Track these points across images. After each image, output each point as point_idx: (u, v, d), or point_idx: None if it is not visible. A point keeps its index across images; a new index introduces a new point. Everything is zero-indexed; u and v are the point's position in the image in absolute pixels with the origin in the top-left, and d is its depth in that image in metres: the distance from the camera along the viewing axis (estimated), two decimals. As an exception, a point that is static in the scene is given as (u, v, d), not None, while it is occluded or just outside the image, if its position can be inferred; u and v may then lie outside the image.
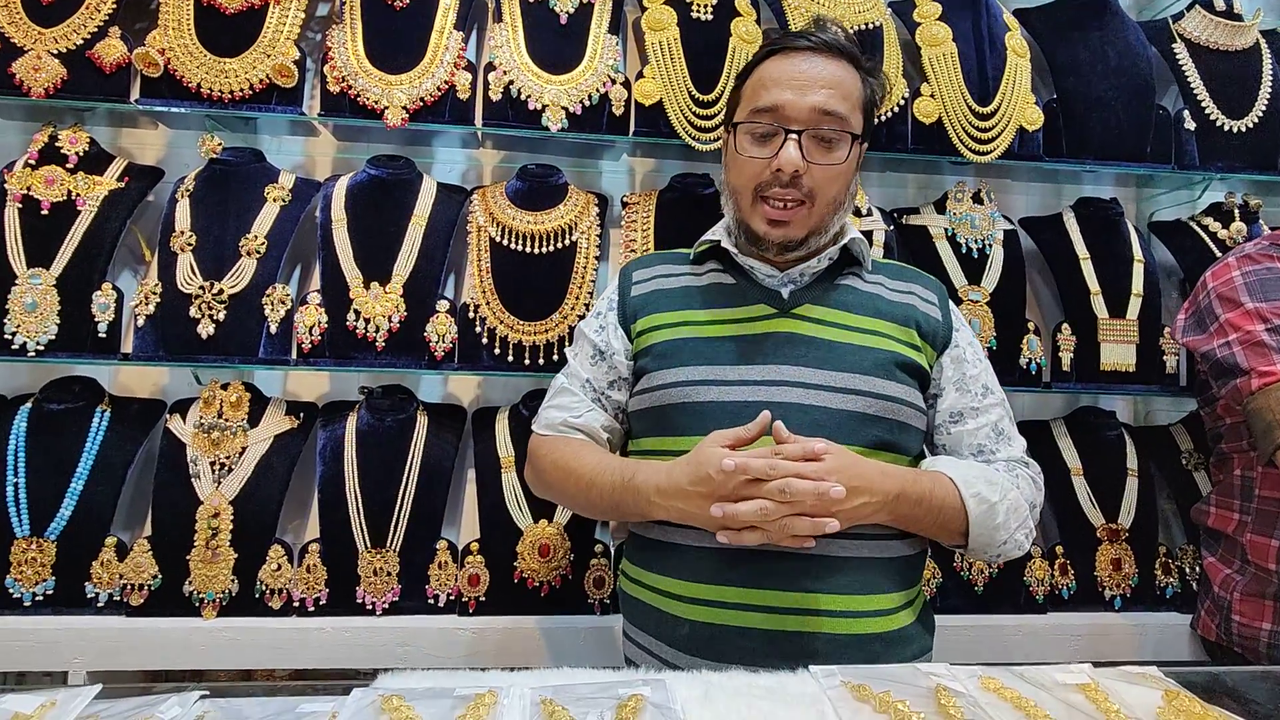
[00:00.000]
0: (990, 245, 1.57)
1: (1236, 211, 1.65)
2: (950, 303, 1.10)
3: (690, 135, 1.43)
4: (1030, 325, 1.54)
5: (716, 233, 1.07)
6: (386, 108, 1.38)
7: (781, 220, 0.97)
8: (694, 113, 1.44)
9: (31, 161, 1.37)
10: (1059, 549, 1.50)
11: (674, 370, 0.98)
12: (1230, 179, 1.64)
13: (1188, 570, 1.52)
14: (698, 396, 0.95)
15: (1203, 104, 1.61)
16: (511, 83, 1.42)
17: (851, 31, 1.05)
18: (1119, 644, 1.45)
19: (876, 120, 1.48)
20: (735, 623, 0.89)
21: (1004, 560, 1.00)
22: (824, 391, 0.94)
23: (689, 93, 1.44)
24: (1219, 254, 1.59)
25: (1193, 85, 1.62)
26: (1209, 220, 1.66)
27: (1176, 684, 0.70)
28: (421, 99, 1.40)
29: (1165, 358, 1.56)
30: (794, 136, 0.94)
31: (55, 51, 1.34)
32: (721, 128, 1.07)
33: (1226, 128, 1.60)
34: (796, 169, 0.94)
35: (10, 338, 1.30)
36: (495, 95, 1.41)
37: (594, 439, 1.04)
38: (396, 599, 1.34)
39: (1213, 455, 1.45)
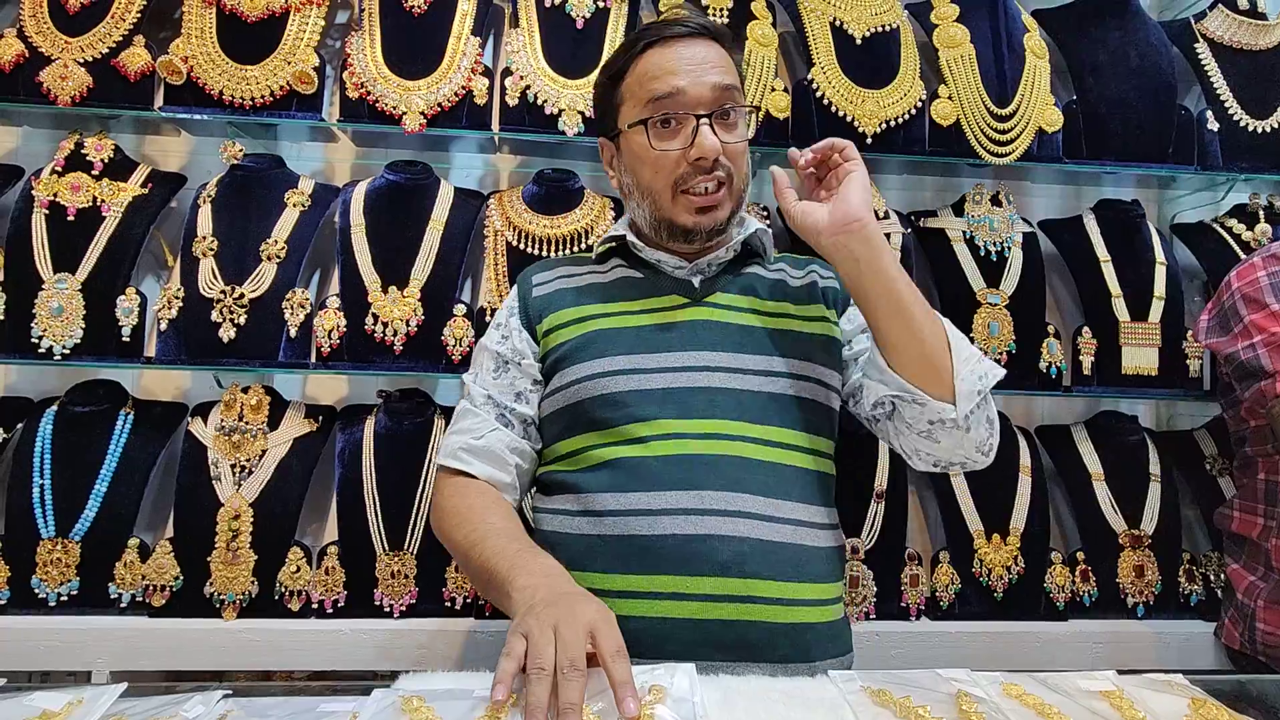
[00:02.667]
0: (1009, 248, 1.55)
1: (1261, 213, 1.63)
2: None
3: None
4: (1050, 329, 1.53)
5: (619, 229, 1.05)
6: (404, 113, 1.39)
7: (708, 206, 0.95)
8: (710, 116, 1.44)
9: (58, 168, 1.40)
10: (1080, 555, 1.48)
11: (587, 363, 0.95)
12: (1255, 180, 1.62)
13: (1212, 577, 1.49)
14: (615, 387, 0.93)
15: (1226, 104, 1.59)
16: (528, 88, 1.42)
17: (705, 17, 1.03)
18: (1142, 652, 1.43)
19: (896, 124, 1.48)
20: (671, 614, 0.85)
21: (975, 448, 0.92)
22: (743, 375, 0.94)
23: (705, 96, 1.44)
24: (1243, 256, 1.57)
25: (1216, 85, 1.60)
26: (1233, 222, 1.64)
27: (1203, 692, 0.69)
28: (439, 104, 1.41)
29: (1189, 361, 1.54)
30: (705, 121, 0.92)
31: (81, 60, 1.37)
32: (605, 135, 1.04)
33: (1251, 128, 1.58)
34: (718, 153, 0.92)
35: (37, 341, 1.32)
36: (512, 100, 1.42)
37: (496, 462, 0.97)
38: (414, 601, 1.35)
39: (1236, 459, 1.42)
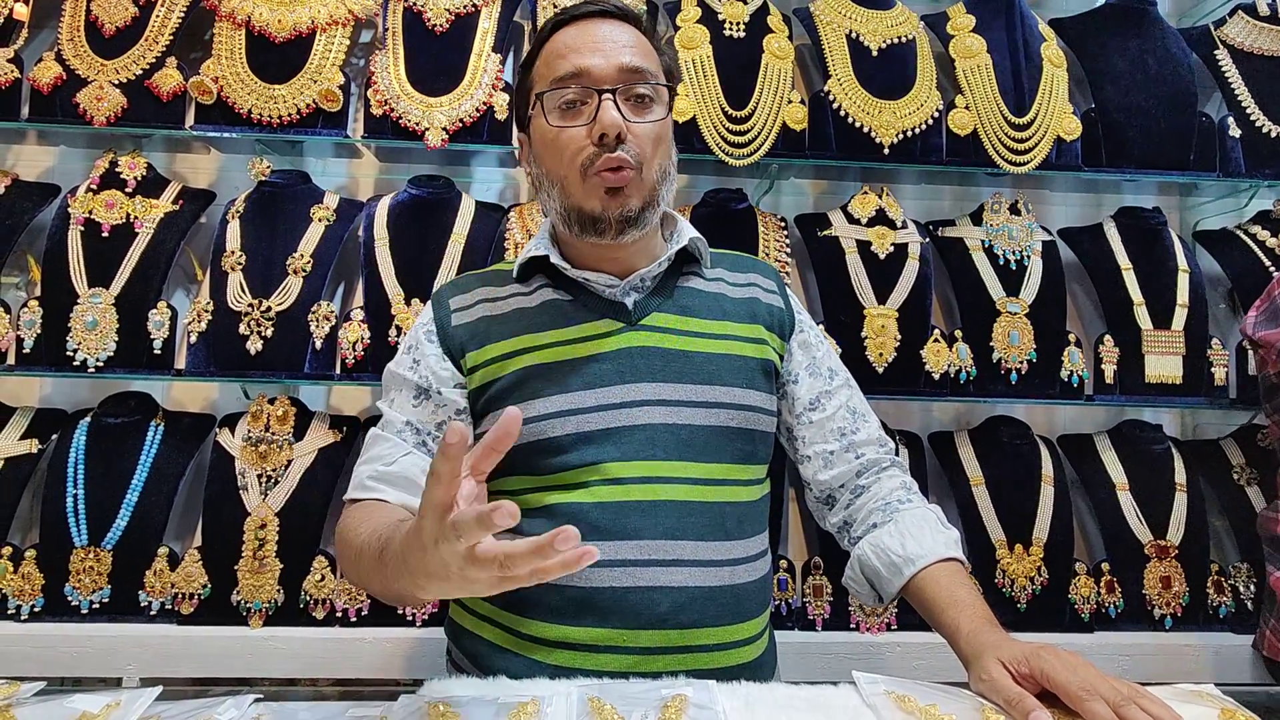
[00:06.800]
0: (1029, 256, 1.55)
1: (1286, 219, 1.61)
2: (786, 287, 1.05)
3: (723, 151, 1.45)
4: (1071, 337, 1.52)
5: (540, 246, 0.94)
6: (427, 129, 1.42)
7: (617, 188, 0.86)
8: (727, 129, 1.45)
9: (93, 186, 1.44)
10: (1105, 566, 1.46)
11: (524, 405, 0.86)
12: (1278, 186, 1.60)
13: (1242, 589, 1.47)
14: (553, 431, 0.85)
15: (1248, 110, 1.58)
16: (548, 103, 1.45)
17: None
18: (1172, 664, 1.41)
19: (913, 134, 1.49)
20: (607, 667, 0.80)
21: None
22: (688, 408, 0.88)
23: (722, 109, 1.46)
24: (1268, 263, 1.56)
25: (1237, 92, 1.59)
26: (1257, 228, 1.62)
27: (1234, 703, 0.68)
28: (460, 120, 1.43)
29: (1214, 369, 1.52)
30: (608, 96, 0.85)
31: (116, 82, 1.41)
32: (521, 129, 0.98)
33: (1273, 134, 1.57)
34: (620, 130, 0.85)
35: (72, 354, 1.36)
36: (532, 115, 1.44)
37: (412, 488, 0.87)
38: (436, 610, 1.36)
39: None
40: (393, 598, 0.77)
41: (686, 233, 0.97)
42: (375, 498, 0.86)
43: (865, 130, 1.48)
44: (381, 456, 0.89)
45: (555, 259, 0.93)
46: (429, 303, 0.99)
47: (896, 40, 1.55)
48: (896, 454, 1.02)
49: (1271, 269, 1.54)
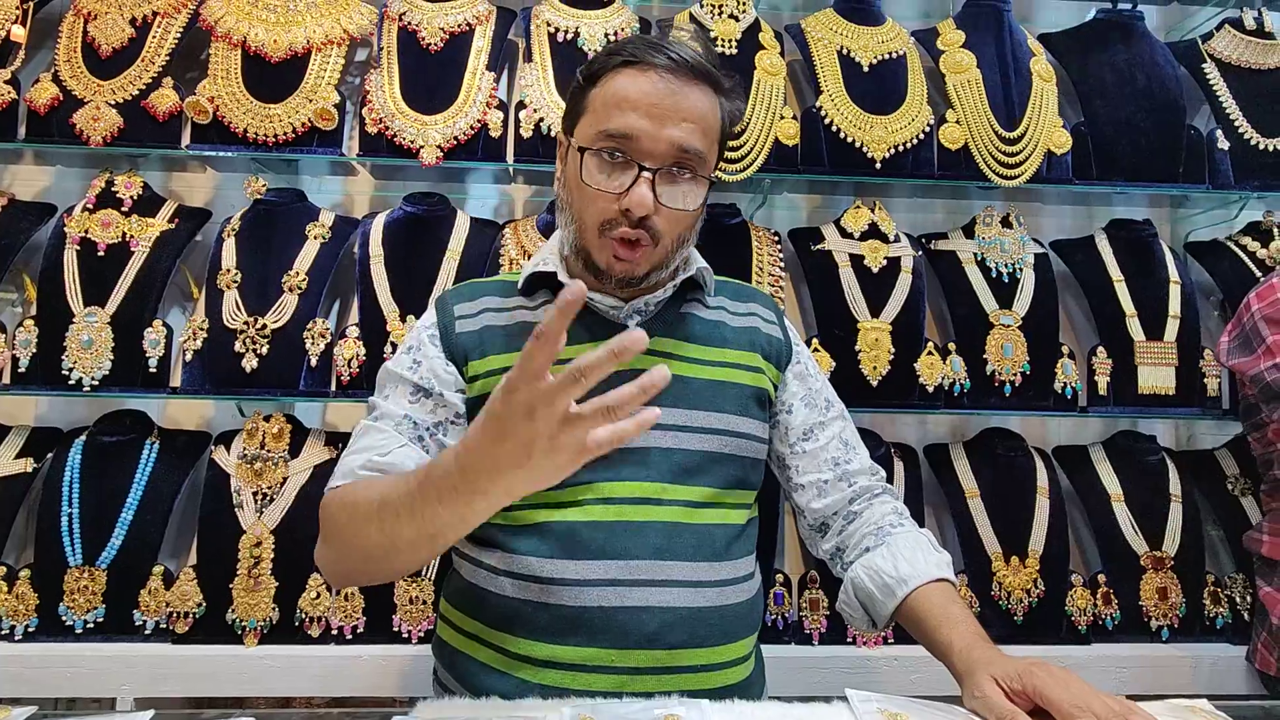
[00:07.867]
0: (1021, 269, 1.56)
1: (1275, 230, 1.62)
2: (785, 318, 1.07)
3: (717, 167, 1.45)
4: (1064, 349, 1.53)
5: (548, 261, 0.95)
6: (422, 147, 1.43)
7: (625, 258, 0.88)
8: (720, 145, 1.46)
9: (89, 206, 1.45)
10: (1101, 577, 1.46)
11: None
12: (1267, 197, 1.62)
13: (1238, 600, 1.47)
14: None
15: (1236, 123, 1.60)
16: (541, 120, 1.46)
17: (710, 50, 0.96)
18: (1169, 676, 1.41)
19: (905, 149, 1.50)
20: (594, 686, 0.81)
21: None
22: (683, 432, 0.89)
23: (715, 125, 1.47)
24: (1258, 274, 1.56)
25: (1225, 105, 1.61)
26: (1247, 240, 1.63)
27: (1227, 717, 0.68)
28: (455, 138, 1.44)
29: (1206, 380, 1.53)
30: (647, 175, 0.84)
31: (113, 102, 1.42)
32: (565, 133, 0.95)
33: (1261, 146, 1.58)
34: (647, 213, 0.85)
35: (67, 373, 1.36)
36: (526, 132, 1.46)
37: None
38: (432, 627, 1.36)
39: (1264, 482, 1.40)
40: (390, 555, 0.73)
41: (695, 262, 0.98)
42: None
43: (857, 145, 1.49)
44: (375, 446, 0.86)
45: (563, 276, 0.94)
46: (432, 306, 0.99)
47: (887, 56, 1.56)
48: (890, 472, 1.03)
49: (1262, 279, 1.55)
